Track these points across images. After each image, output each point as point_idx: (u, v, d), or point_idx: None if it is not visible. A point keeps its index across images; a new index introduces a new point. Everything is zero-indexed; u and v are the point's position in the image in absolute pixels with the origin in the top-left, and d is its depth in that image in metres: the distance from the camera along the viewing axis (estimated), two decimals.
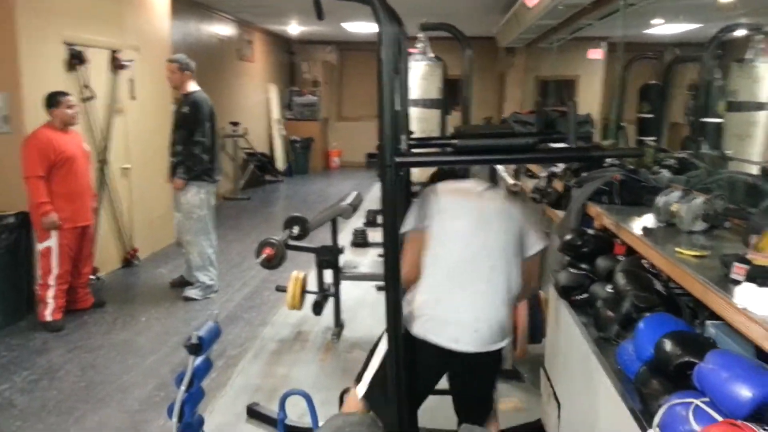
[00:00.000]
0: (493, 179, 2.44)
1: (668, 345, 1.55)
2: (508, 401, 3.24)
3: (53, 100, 4.14)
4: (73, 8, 4.96)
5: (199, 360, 2.40)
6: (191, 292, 4.88)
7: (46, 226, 4.07)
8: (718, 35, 5.90)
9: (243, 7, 8.88)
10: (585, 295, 2.28)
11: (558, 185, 3.75)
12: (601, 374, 1.90)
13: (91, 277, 4.74)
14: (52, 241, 4.11)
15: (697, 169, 3.61)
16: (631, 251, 2.50)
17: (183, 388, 2.38)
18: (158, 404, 3.24)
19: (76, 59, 4.88)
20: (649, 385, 1.56)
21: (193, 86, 4.77)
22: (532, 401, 3.22)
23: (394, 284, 2.04)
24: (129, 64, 5.57)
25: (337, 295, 4.05)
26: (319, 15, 2.30)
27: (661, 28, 7.74)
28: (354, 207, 3.96)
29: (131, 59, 5.62)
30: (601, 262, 2.35)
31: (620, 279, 2.02)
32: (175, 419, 2.38)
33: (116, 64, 5.47)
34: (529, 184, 4.21)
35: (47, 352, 3.88)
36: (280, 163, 11.62)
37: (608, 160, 3.64)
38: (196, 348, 2.35)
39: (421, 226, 2.14)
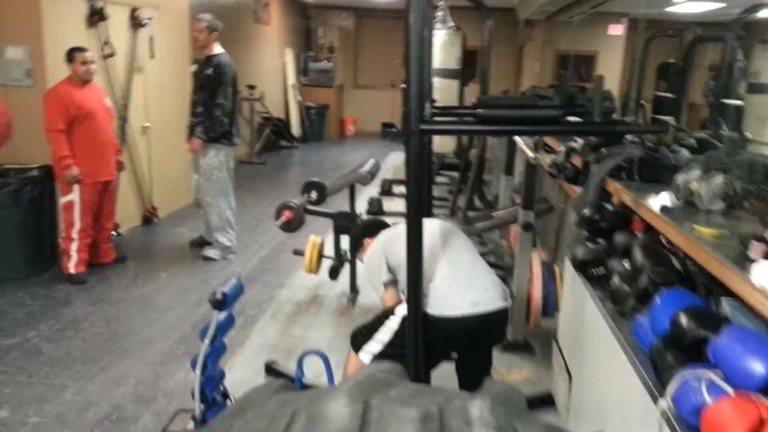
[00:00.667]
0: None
1: (684, 320, 1.62)
2: (519, 372, 3.33)
3: (69, 56, 4.19)
4: None
5: (222, 315, 2.50)
6: (210, 252, 4.98)
7: (68, 179, 4.16)
8: (742, 15, 5.85)
9: None
10: (601, 270, 2.34)
11: (576, 161, 3.78)
12: (616, 347, 1.97)
13: (113, 232, 4.84)
14: (74, 195, 4.21)
15: (716, 149, 3.64)
16: (649, 228, 2.55)
17: (207, 341, 2.48)
18: (180, 357, 3.36)
19: (96, 15, 4.91)
20: (663, 358, 1.63)
21: (218, 48, 4.79)
22: (542, 373, 3.31)
23: (416, 256, 2.11)
24: (148, 22, 5.58)
25: (353, 261, 4.13)
26: None
27: (683, 6, 7.64)
28: (372, 174, 4.02)
29: (150, 17, 5.63)
30: (619, 238, 2.40)
31: (638, 254, 2.08)
32: (198, 371, 2.49)
33: (136, 22, 5.49)
34: (546, 158, 4.24)
35: (71, 303, 4.00)
36: (296, 129, 11.64)
37: (628, 137, 3.68)
38: (221, 303, 2.44)
39: (392, 278, 2.58)
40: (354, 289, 4.19)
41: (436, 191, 7.05)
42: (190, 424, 2.58)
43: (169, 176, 6.22)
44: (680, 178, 2.46)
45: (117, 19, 5.20)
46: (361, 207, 6.41)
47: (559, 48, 10.76)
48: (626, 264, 2.23)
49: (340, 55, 12.85)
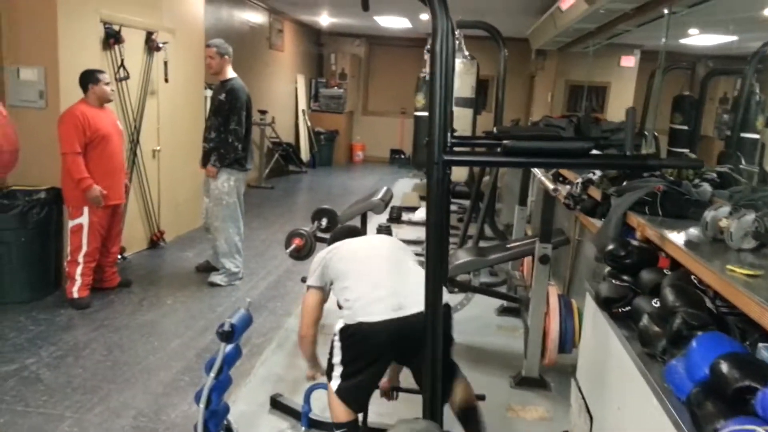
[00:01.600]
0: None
1: (726, 367, 1.51)
2: (534, 410, 3.20)
3: (91, 77, 4.16)
4: None
5: (229, 347, 2.40)
6: (216, 278, 4.89)
7: (91, 200, 4.11)
8: (761, 49, 5.79)
9: None
10: (627, 308, 2.23)
11: (594, 192, 3.69)
12: (646, 390, 1.86)
13: (119, 256, 4.76)
14: (84, 219, 4.14)
15: (738, 185, 3.54)
16: (675, 265, 2.45)
17: (212, 374, 2.38)
18: (183, 388, 3.25)
19: (112, 38, 4.90)
20: (703, 407, 1.52)
21: (231, 72, 4.77)
22: (558, 411, 3.18)
23: (436, 281, 2.02)
24: (164, 46, 5.58)
25: None
26: (365, 6, 2.28)
27: (696, 39, 7.61)
28: (385, 203, 3.94)
29: (166, 41, 5.63)
30: (646, 275, 2.29)
31: (669, 294, 1.97)
32: (202, 406, 2.39)
33: (152, 46, 5.48)
34: (562, 190, 4.16)
35: (73, 328, 3.91)
36: (305, 154, 11.63)
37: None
38: (228, 335, 2.35)
39: (322, 284, 2.70)
40: None
41: None
42: None
43: (177, 200, 6.17)
44: (709, 215, 2.37)
45: (132, 42, 5.20)
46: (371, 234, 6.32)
47: (571, 78, 10.75)
48: (655, 303, 2.12)
49: (351, 81, 12.89)
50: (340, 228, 3.28)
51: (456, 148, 2.73)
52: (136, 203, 5.45)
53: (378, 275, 2.54)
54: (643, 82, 9.54)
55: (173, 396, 3.18)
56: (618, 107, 10.15)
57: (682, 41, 8.00)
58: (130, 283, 4.71)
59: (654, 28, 5.93)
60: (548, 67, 11.14)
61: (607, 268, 2.66)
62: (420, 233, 6.74)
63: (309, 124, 11.87)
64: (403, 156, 13.18)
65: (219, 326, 2.34)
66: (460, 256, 3.89)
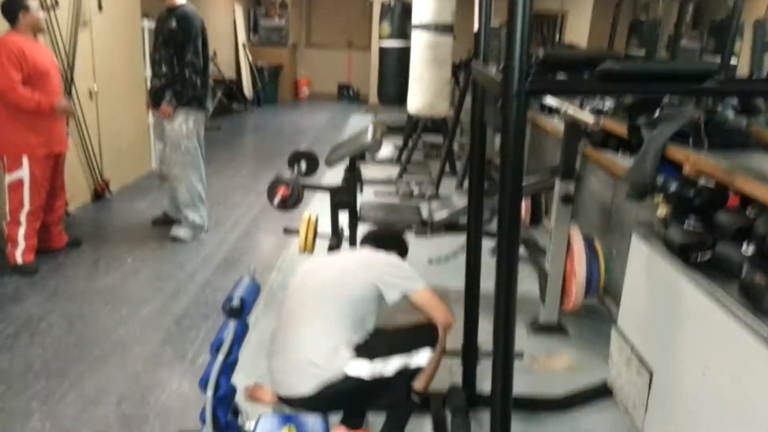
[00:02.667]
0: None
1: None
2: (560, 359, 2.96)
3: (20, 4, 3.44)
4: None
5: (236, 324, 1.99)
6: (180, 232, 4.38)
7: (63, 110, 3.67)
8: None
9: None
10: (708, 256, 1.95)
11: (611, 125, 3.39)
12: (762, 352, 1.59)
13: (64, 212, 4.16)
14: (24, 172, 3.52)
15: (760, 111, 3.32)
16: (745, 204, 2.19)
17: (221, 357, 1.96)
18: (167, 364, 2.82)
19: None
20: None
21: None
22: (585, 360, 2.95)
23: (511, 243, 1.66)
24: None
25: (353, 239, 3.64)
26: None
27: None
28: (379, 142, 3.51)
29: None
30: (726, 218, 2.02)
31: None
32: (210, 393, 1.99)
33: None
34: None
35: (22, 300, 3.36)
36: (248, 92, 10.87)
37: (665, 99, 3.31)
38: (237, 311, 1.94)
39: None
40: None
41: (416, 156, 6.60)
42: None
43: (120, 145, 5.51)
44: None
45: None
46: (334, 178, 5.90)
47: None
48: (749, 249, 1.85)
49: (293, 11, 12.04)
50: (375, 233, 2.81)
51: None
52: (76, 151, 4.78)
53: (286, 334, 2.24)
54: (601, 9, 9.28)
55: (157, 373, 2.75)
56: (576, 36, 9.89)
57: None
58: (80, 242, 4.14)
59: None
60: None
61: (660, 209, 2.38)
62: (387, 171, 6.34)
63: (250, 58, 11.05)
64: (352, 92, 12.59)
65: (226, 301, 1.93)
66: (459, 200, 3.55)
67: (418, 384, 2.17)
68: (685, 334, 2.02)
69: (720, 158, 2.41)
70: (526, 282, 3.78)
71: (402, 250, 2.70)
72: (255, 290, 2.08)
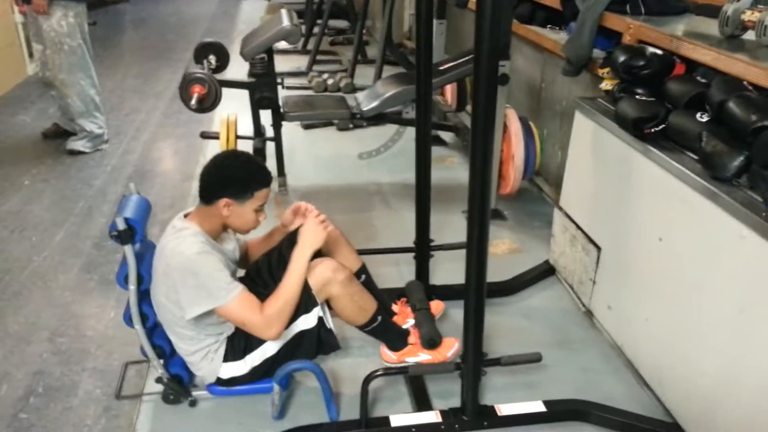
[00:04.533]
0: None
1: None
2: (502, 243, 3.00)
3: None
4: None
5: (136, 246, 1.79)
6: (77, 144, 3.95)
7: None
8: None
9: None
10: (661, 127, 1.95)
11: None
12: (722, 216, 1.63)
13: None
14: None
15: None
16: (689, 71, 2.19)
17: (132, 286, 1.81)
18: (97, 290, 2.60)
19: None
20: None
21: None
22: (525, 242, 3.01)
23: (487, 128, 1.56)
24: None
25: (278, 140, 3.42)
26: None
27: None
28: (298, 29, 3.20)
29: None
30: (677, 86, 1.99)
31: (736, 106, 1.69)
32: (137, 326, 1.85)
33: None
34: None
35: None
36: None
37: None
38: (127, 235, 1.74)
39: None
40: (282, 172, 3.51)
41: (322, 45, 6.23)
42: (157, 387, 1.96)
43: None
44: (730, 8, 2.07)
45: None
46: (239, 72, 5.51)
47: None
48: (701, 117, 1.85)
49: None
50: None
51: None
52: None
53: None
54: None
55: (88, 303, 2.53)
56: None
57: None
58: None
59: None
60: None
61: (605, 83, 2.34)
62: (294, 62, 5.97)
63: None
64: None
65: (110, 228, 1.72)
66: (386, 88, 3.37)
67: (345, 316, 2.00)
68: (638, 207, 2.06)
69: (660, 24, 2.38)
70: (460, 170, 3.77)
71: (259, 178, 1.87)
72: (144, 206, 1.88)
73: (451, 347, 2.14)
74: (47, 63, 3.83)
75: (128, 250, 1.76)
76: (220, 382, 1.94)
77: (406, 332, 2.17)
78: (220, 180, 1.82)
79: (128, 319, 1.87)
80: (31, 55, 5.26)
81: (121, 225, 1.71)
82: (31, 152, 3.97)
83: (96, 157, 3.93)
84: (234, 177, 1.82)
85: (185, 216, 1.87)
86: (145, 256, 1.86)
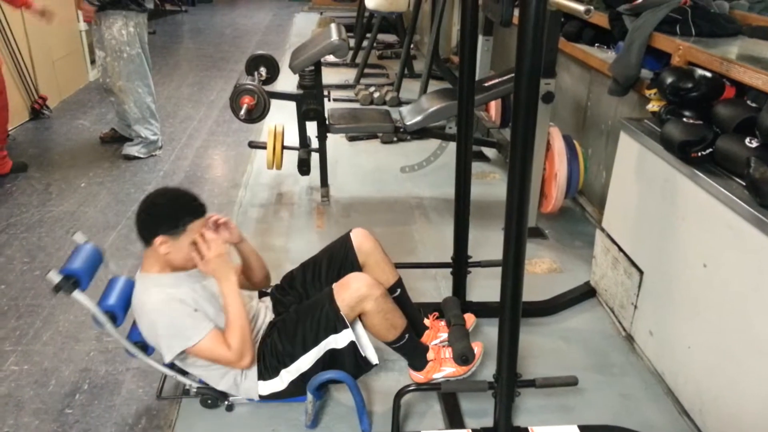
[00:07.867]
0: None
1: None
2: (540, 261, 2.97)
3: None
4: None
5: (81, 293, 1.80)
6: (132, 150, 4.11)
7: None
8: None
9: None
10: (708, 151, 1.91)
11: (593, 16, 3.23)
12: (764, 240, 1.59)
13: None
14: None
15: None
16: (740, 94, 2.14)
17: (108, 326, 1.86)
18: None
19: None
20: None
21: None
22: (566, 262, 2.97)
23: (526, 149, 1.56)
24: None
25: (323, 151, 3.48)
26: None
27: None
28: (346, 43, 3.26)
29: None
30: (726, 110, 1.96)
31: None
32: (139, 354, 1.94)
33: None
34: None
35: None
36: None
37: None
38: (71, 286, 1.77)
39: None
40: (325, 183, 3.57)
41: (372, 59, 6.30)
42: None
43: (52, 56, 5.06)
44: None
45: None
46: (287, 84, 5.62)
47: None
48: (750, 142, 1.81)
49: None
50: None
51: None
52: (5, 65, 4.33)
53: None
54: None
55: None
56: None
57: None
58: (26, 166, 3.85)
59: None
60: None
61: (652, 104, 2.31)
62: (342, 75, 6.07)
63: None
64: None
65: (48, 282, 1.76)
66: (430, 103, 3.40)
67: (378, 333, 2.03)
68: (682, 232, 2.02)
69: (710, 46, 2.34)
70: (501, 186, 3.75)
71: (188, 211, 1.84)
72: (95, 257, 1.95)
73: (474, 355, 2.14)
74: (107, 69, 4.00)
75: (77, 298, 1.78)
76: (262, 398, 1.99)
77: (426, 349, 2.17)
78: (151, 218, 1.82)
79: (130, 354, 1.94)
80: (93, 61, 5.50)
81: (55, 279, 1.73)
82: (89, 156, 4.15)
83: (150, 163, 4.07)
84: (163, 214, 1.81)
85: (141, 270, 1.91)
86: (121, 293, 1.93)
